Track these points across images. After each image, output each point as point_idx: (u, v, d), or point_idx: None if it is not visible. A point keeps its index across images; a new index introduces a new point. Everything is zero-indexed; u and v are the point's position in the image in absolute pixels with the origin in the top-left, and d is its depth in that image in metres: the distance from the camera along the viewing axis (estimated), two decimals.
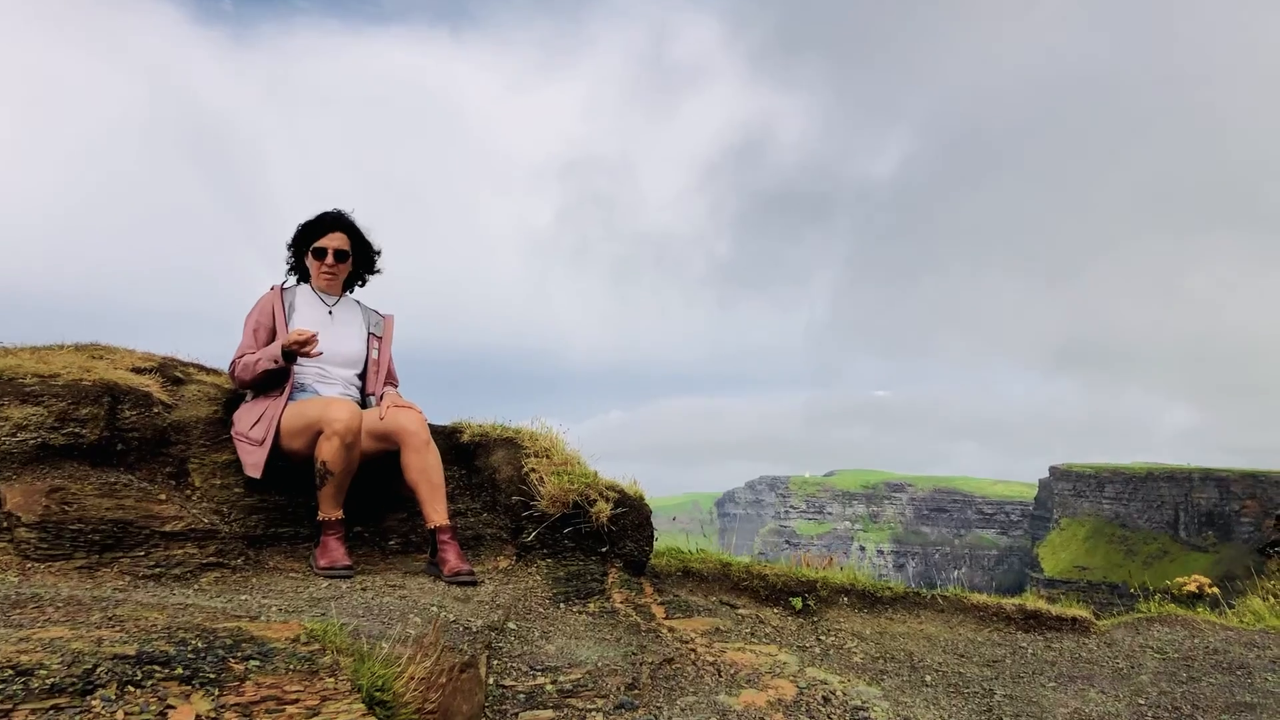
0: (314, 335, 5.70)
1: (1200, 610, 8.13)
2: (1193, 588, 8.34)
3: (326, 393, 5.98)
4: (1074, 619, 6.80)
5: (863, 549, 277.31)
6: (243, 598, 4.59)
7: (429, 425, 7.75)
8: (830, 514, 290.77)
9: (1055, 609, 6.81)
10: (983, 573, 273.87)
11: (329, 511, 5.64)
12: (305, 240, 6.22)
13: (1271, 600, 12.30)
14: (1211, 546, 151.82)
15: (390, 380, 6.46)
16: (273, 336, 5.99)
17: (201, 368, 6.48)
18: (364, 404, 6.22)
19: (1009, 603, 6.83)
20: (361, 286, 6.56)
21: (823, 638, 6.19)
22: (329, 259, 6.16)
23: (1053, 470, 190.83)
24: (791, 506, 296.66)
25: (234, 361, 5.93)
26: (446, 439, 7.33)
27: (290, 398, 5.84)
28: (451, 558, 5.73)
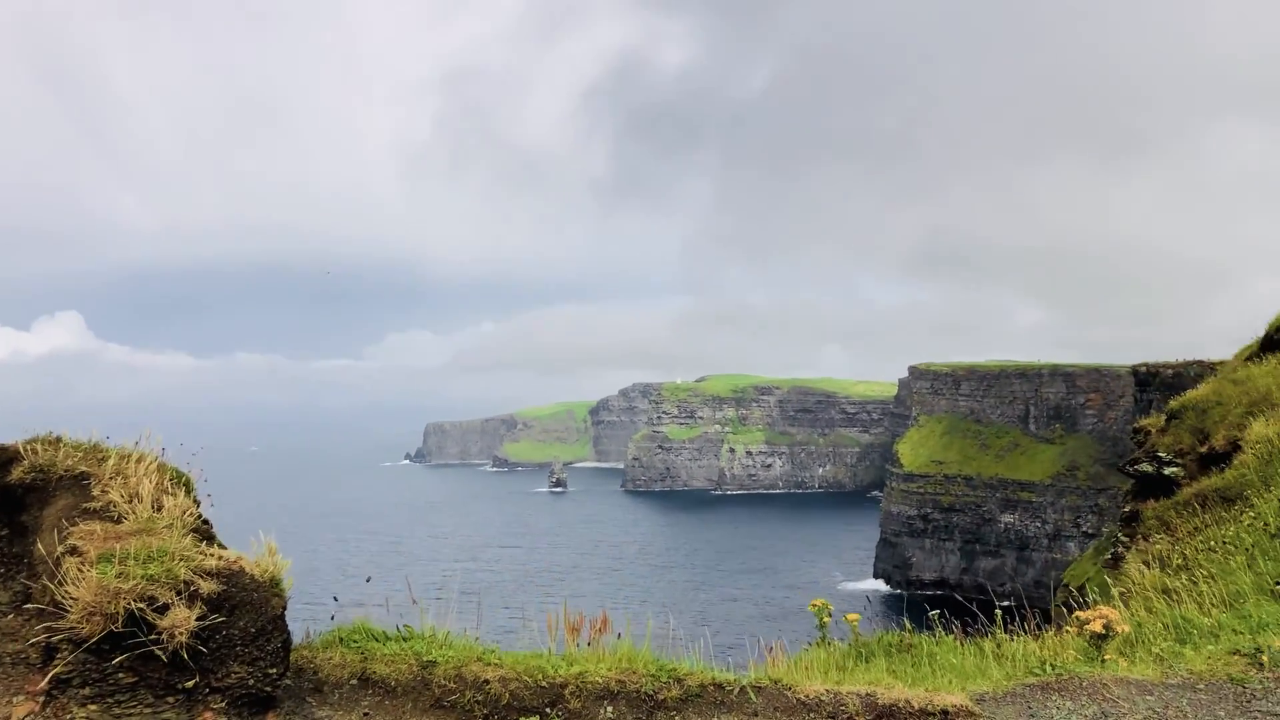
0: None
1: (1108, 654, 6.31)
2: (1098, 626, 6.46)
3: None
4: (944, 711, 4.71)
5: (732, 450, 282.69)
6: None
7: None
8: (701, 418, 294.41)
9: (919, 697, 4.65)
10: (846, 469, 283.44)
11: None
12: None
13: (1156, 568, 10.80)
14: (1059, 438, 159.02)
15: None
16: None
17: None
18: None
19: (853, 691, 4.61)
20: None
21: None
22: None
23: (912, 370, 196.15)
24: (664, 412, 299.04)
25: None
26: None
27: None
28: None
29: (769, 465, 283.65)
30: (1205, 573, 9.38)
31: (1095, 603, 9.60)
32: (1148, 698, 4.96)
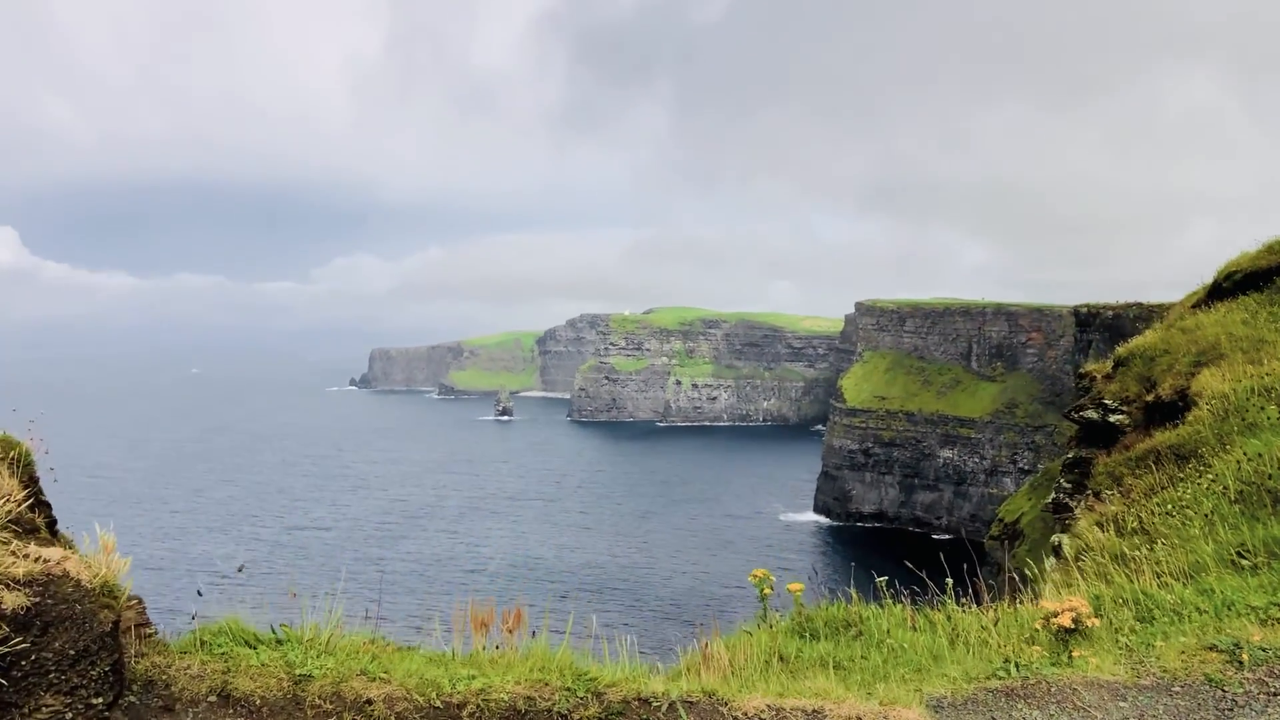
0: None
1: (1075, 649, 5.84)
2: (1066, 621, 5.93)
3: None
4: None
5: (679, 383, 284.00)
6: None
7: None
8: (648, 350, 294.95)
9: (871, 712, 4.11)
10: (790, 403, 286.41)
11: None
12: None
13: (1110, 531, 10.45)
14: (999, 376, 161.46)
15: None
16: None
17: None
18: None
19: (797, 707, 4.00)
20: None
21: None
22: None
23: (858, 306, 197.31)
24: (611, 343, 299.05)
25: None
26: None
27: None
28: None
29: (714, 398, 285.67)
30: (1165, 541, 9.04)
31: (1049, 569, 9.27)
32: (1120, 704, 4.49)
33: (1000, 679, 4.77)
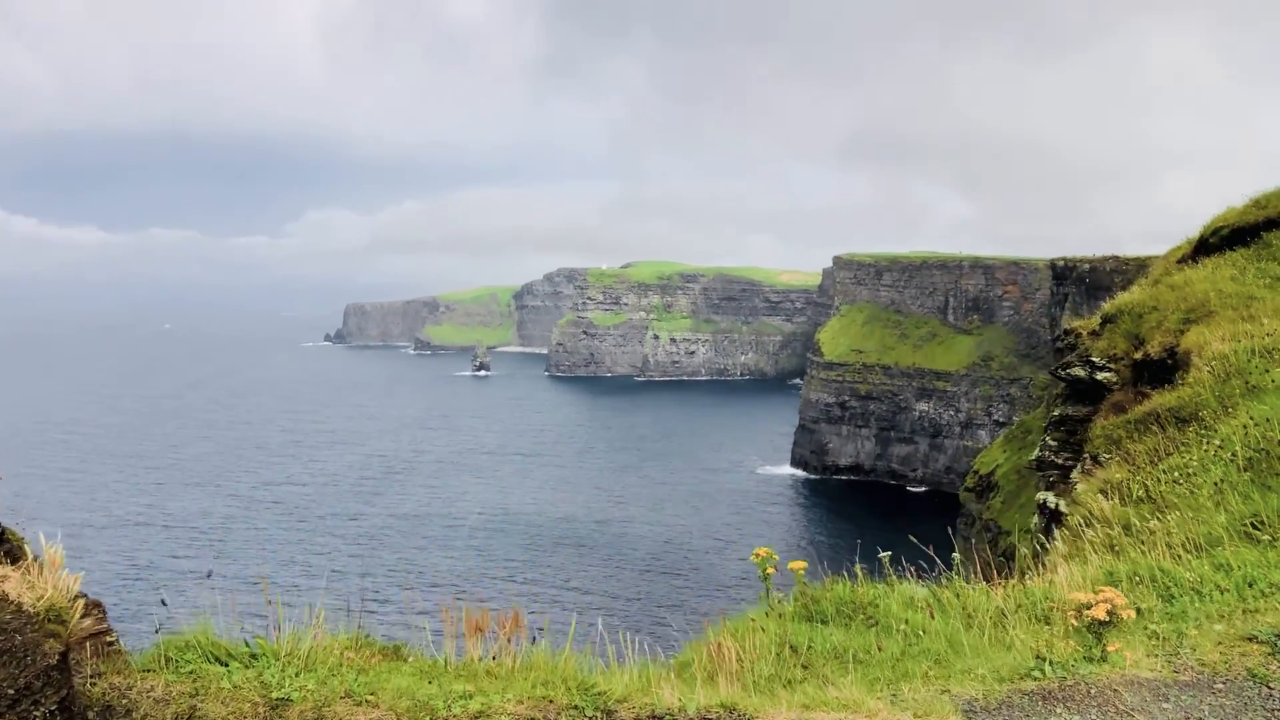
0: None
1: (1110, 641, 5.52)
2: (1101, 613, 5.58)
3: None
4: None
5: (657, 337, 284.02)
6: None
7: None
8: (626, 305, 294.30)
9: None
10: (768, 357, 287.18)
11: None
12: None
13: (1115, 499, 10.19)
14: (975, 329, 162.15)
15: None
16: None
17: None
18: None
19: None
20: None
21: None
22: None
23: (835, 260, 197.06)
24: (589, 298, 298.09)
25: None
26: None
27: None
28: None
29: (692, 352, 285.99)
30: (1174, 512, 8.78)
31: (1057, 543, 9.01)
32: (1163, 704, 4.20)
33: (1035, 679, 4.46)
